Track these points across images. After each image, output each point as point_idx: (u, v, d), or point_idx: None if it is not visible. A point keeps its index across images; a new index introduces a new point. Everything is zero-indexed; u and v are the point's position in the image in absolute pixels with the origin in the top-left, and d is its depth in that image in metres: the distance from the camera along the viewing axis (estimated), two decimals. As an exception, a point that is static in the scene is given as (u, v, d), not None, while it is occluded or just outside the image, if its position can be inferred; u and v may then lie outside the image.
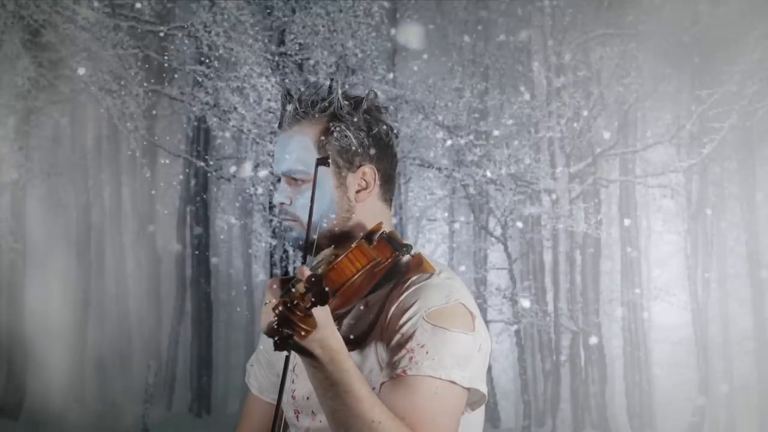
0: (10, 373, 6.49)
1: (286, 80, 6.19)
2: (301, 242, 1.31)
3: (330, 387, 1.11)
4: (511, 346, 7.35)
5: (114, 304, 7.43)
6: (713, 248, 7.61)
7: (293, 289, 1.02)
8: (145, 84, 6.02)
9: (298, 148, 1.31)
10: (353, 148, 1.30)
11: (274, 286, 1.08)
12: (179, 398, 7.58)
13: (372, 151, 1.31)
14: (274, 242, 6.61)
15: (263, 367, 1.48)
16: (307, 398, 1.31)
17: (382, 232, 1.21)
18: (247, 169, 6.34)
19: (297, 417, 1.34)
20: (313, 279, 1.02)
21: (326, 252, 1.26)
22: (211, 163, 6.87)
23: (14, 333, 6.52)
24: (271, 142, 6.14)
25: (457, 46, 7.33)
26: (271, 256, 6.79)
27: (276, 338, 1.01)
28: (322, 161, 1.27)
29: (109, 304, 7.41)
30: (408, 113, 6.63)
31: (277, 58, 6.19)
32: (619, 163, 7.49)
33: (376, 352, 1.23)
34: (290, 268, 6.77)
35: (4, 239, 6.41)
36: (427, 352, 1.17)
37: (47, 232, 6.94)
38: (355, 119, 1.31)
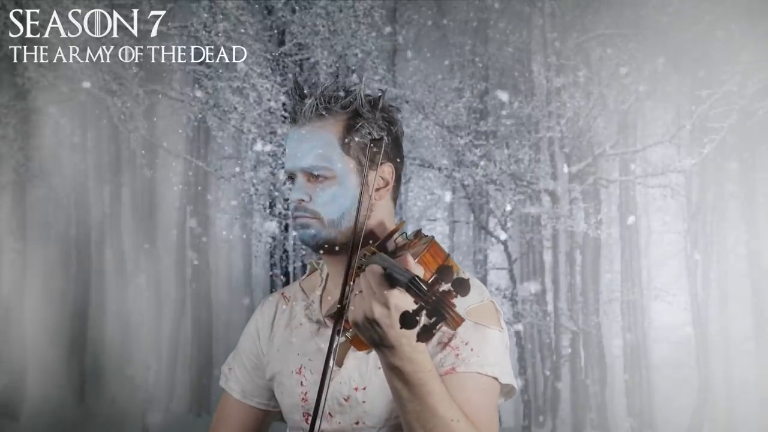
0: (10, 373, 6.49)
1: (299, 78, 6.19)
2: (319, 241, 1.28)
3: (411, 388, 1.08)
4: (511, 346, 7.33)
5: (114, 304, 7.42)
6: (713, 248, 7.61)
7: (418, 278, 0.98)
8: (146, 84, 6.03)
9: (321, 144, 1.27)
10: (375, 146, 1.29)
11: (382, 277, 1.04)
12: (179, 398, 7.58)
13: (390, 149, 1.29)
14: (274, 242, 6.61)
15: (247, 370, 1.45)
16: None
17: (419, 231, 1.20)
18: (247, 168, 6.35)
19: (307, 420, 1.31)
20: (445, 268, 0.98)
21: (369, 249, 1.23)
22: (211, 162, 6.88)
23: (14, 333, 6.52)
24: (271, 142, 6.13)
25: (457, 46, 7.32)
26: (271, 256, 6.80)
27: (418, 329, 0.96)
28: (376, 141, 1.23)
29: (109, 304, 7.40)
30: (408, 113, 6.63)
31: (277, 58, 6.19)
32: (619, 163, 7.49)
33: None
34: (290, 268, 6.77)
35: (4, 239, 6.41)
36: (471, 349, 1.18)
37: (47, 232, 6.94)
38: (376, 117, 1.29)
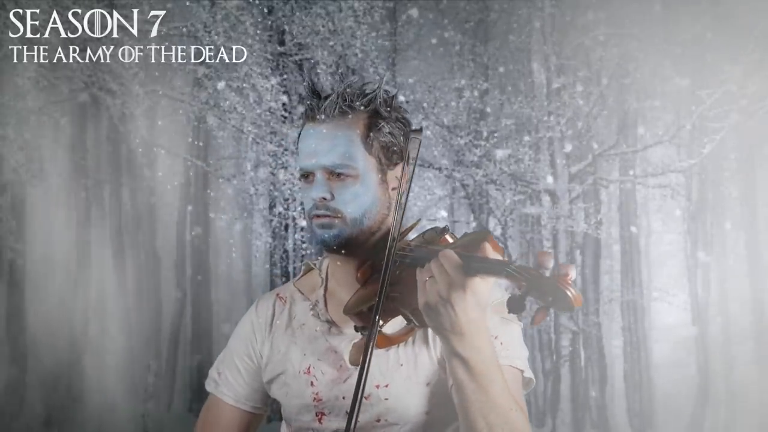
0: (10, 373, 6.49)
1: (300, 78, 6.19)
2: (341, 240, 1.26)
3: (475, 378, 1.08)
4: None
5: (114, 304, 7.42)
6: (713, 248, 7.61)
7: (515, 264, 0.97)
8: (146, 84, 6.03)
9: (345, 142, 1.26)
10: (395, 145, 1.28)
11: (458, 262, 1.03)
12: (179, 398, 7.57)
13: (404, 150, 1.29)
14: (274, 242, 6.60)
15: (240, 373, 1.42)
16: (343, 398, 1.28)
17: (445, 227, 1.20)
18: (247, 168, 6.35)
19: (320, 420, 1.30)
20: (545, 254, 0.97)
21: (405, 243, 1.22)
22: (211, 163, 6.87)
23: (14, 333, 6.52)
24: (270, 142, 6.13)
25: (457, 46, 7.32)
26: (271, 256, 6.80)
27: (535, 309, 0.96)
28: (417, 133, 1.21)
29: (109, 304, 7.40)
30: (408, 113, 6.62)
31: (277, 58, 6.19)
32: (619, 163, 7.48)
33: (430, 347, 1.22)
34: (290, 268, 6.77)
35: (4, 239, 6.41)
36: (501, 343, 1.19)
37: (47, 232, 6.94)
38: (393, 116, 1.29)
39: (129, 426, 6.67)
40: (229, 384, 1.42)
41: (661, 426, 7.62)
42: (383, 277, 1.09)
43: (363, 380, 1.06)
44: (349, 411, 1.25)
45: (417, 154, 1.22)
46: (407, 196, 1.20)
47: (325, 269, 1.42)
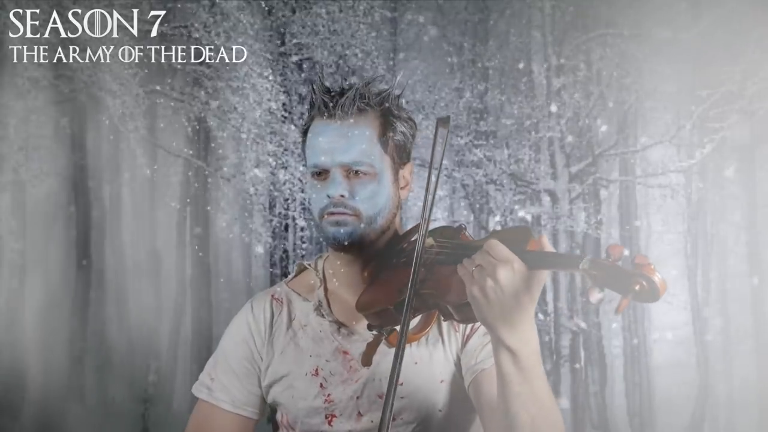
0: (10, 373, 6.49)
1: (300, 78, 6.19)
2: (354, 239, 1.24)
3: (523, 371, 1.05)
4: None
5: (114, 304, 7.42)
6: (713, 248, 7.60)
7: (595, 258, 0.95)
8: (146, 84, 6.03)
9: (363, 139, 1.24)
10: (406, 144, 1.28)
11: (506, 249, 1.00)
12: (179, 398, 7.57)
13: (410, 149, 1.29)
14: (274, 242, 6.60)
15: (238, 377, 1.37)
16: (357, 398, 1.25)
17: (460, 226, 1.19)
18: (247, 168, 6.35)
19: (330, 422, 1.27)
20: (615, 247, 0.97)
21: (431, 242, 1.20)
22: (211, 162, 6.87)
23: (14, 333, 6.51)
24: (270, 143, 6.13)
25: (457, 46, 7.32)
26: (271, 257, 6.79)
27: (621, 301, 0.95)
28: (445, 121, 1.19)
29: (109, 304, 7.40)
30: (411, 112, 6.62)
31: (277, 58, 6.19)
32: (619, 163, 7.48)
33: (445, 344, 1.21)
34: (290, 269, 6.76)
35: (4, 239, 6.40)
36: None
37: (47, 232, 6.93)
38: (404, 115, 1.29)
39: (129, 426, 6.66)
40: (225, 389, 1.37)
41: (661, 426, 7.61)
42: (413, 275, 1.07)
43: (396, 377, 1.04)
44: (361, 412, 1.23)
45: (445, 145, 1.19)
46: (435, 191, 1.18)
47: (321, 269, 1.40)
